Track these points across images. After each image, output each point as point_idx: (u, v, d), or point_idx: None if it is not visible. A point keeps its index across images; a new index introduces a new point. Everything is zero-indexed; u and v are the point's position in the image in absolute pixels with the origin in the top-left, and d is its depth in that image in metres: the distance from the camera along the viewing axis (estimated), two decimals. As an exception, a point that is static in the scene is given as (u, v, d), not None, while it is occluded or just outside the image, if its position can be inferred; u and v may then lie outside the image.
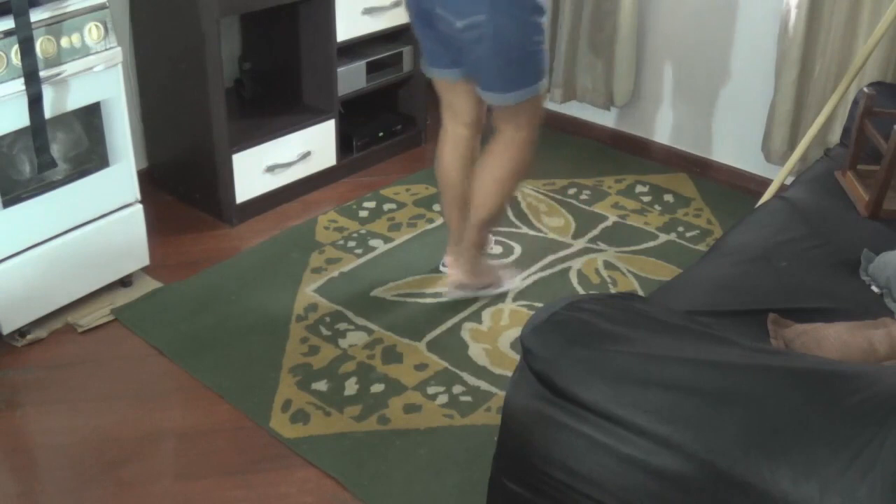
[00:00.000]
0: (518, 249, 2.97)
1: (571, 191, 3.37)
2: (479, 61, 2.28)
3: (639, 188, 3.41)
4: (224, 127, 2.93)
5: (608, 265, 2.90)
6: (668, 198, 3.34)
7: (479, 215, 2.53)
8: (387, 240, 3.02)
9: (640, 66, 3.58)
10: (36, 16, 2.21)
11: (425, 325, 2.58)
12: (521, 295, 2.73)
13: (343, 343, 2.51)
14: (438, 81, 2.52)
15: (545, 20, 2.29)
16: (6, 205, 2.33)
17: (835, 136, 3.00)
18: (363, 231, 3.07)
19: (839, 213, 2.27)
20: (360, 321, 2.60)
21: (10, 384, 2.34)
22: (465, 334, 2.55)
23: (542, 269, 2.87)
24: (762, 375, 1.29)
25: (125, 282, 2.71)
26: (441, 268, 2.79)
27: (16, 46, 2.18)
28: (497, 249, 2.96)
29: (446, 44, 2.34)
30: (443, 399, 2.31)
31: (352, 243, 2.99)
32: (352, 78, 3.32)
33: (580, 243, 3.02)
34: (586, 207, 3.25)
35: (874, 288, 1.95)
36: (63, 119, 2.39)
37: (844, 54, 2.96)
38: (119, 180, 2.58)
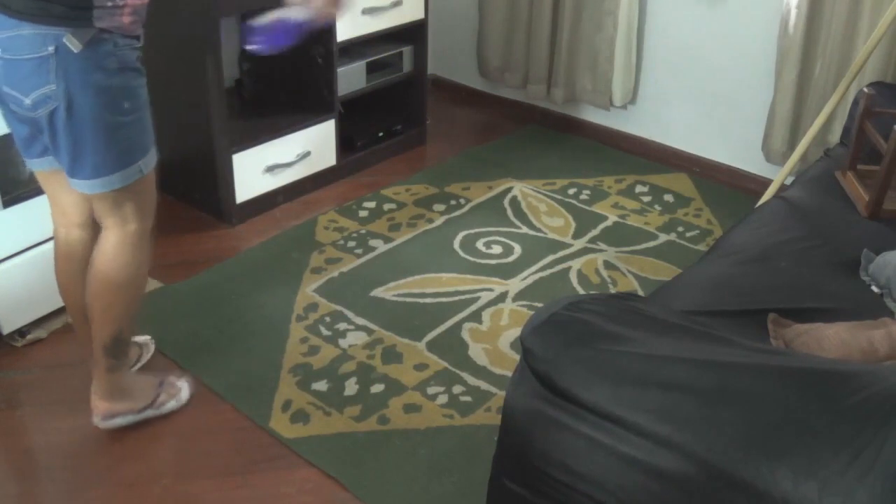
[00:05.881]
0: (518, 249, 2.97)
1: (571, 191, 3.37)
2: (59, 143, 1.83)
3: (639, 188, 3.41)
4: (224, 127, 2.93)
5: (608, 265, 2.90)
6: (668, 198, 3.34)
7: (102, 338, 2.07)
8: (387, 240, 3.02)
9: (640, 66, 3.58)
10: (36, 16, 2.21)
11: (425, 325, 2.58)
12: (521, 295, 2.73)
13: (343, 343, 2.51)
14: (38, 174, 2.04)
15: (139, 82, 1.88)
16: (6, 205, 2.33)
17: (835, 136, 3.00)
18: (363, 231, 3.07)
19: (839, 213, 2.27)
20: (360, 321, 2.60)
21: (10, 384, 2.34)
22: (465, 334, 2.55)
23: (542, 269, 2.87)
24: (762, 375, 1.29)
25: (125, 282, 2.70)
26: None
27: (16, 46, 2.18)
28: (497, 249, 2.96)
29: (31, 127, 1.88)
30: (443, 399, 2.31)
31: (352, 243, 2.99)
32: (352, 78, 3.32)
33: (580, 243, 3.02)
34: (586, 207, 3.25)
35: (874, 288, 1.95)
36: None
37: (844, 54, 2.96)
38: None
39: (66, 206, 2.06)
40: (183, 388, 2.30)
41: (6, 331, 2.43)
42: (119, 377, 2.16)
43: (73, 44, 1.73)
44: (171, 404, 2.26)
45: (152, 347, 2.46)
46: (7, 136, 2.28)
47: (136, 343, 2.43)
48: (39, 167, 2.00)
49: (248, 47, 1.97)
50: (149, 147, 1.96)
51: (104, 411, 2.17)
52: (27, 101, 1.79)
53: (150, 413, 2.22)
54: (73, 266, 2.12)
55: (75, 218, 2.08)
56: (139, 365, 2.39)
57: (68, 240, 2.10)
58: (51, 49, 1.73)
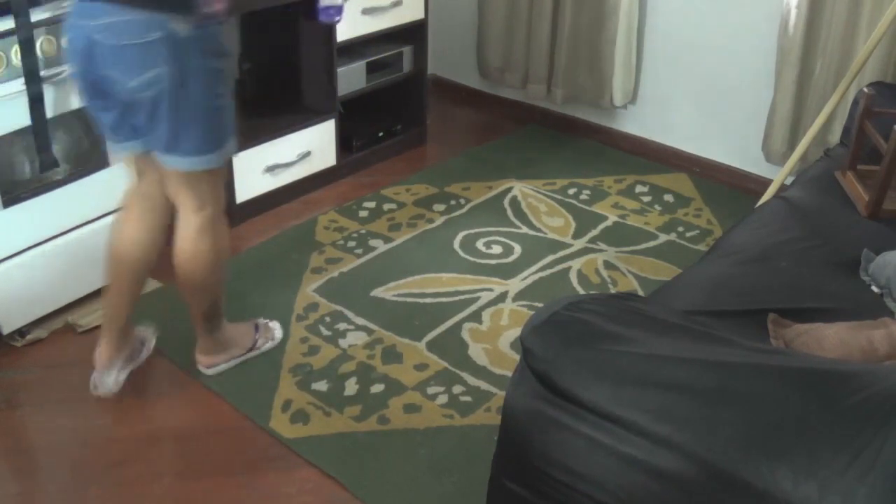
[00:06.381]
0: (518, 249, 2.97)
1: (571, 191, 3.37)
2: (158, 122, 1.94)
3: (639, 188, 3.41)
4: (224, 127, 2.93)
5: (608, 265, 2.90)
6: (668, 198, 3.34)
7: (199, 308, 2.26)
8: (387, 240, 3.02)
9: (640, 66, 3.58)
10: (36, 16, 2.21)
11: (425, 325, 2.58)
12: (521, 295, 2.73)
13: (343, 343, 2.51)
14: (126, 158, 2.18)
15: (229, 65, 2.04)
16: (6, 205, 2.33)
17: (835, 136, 3.00)
18: (363, 231, 3.07)
19: (839, 213, 2.27)
20: (360, 321, 2.60)
21: (10, 384, 2.34)
22: (465, 334, 2.55)
23: (542, 269, 2.87)
24: (762, 375, 1.29)
25: (125, 282, 2.70)
26: (94, 380, 2.30)
27: (16, 46, 2.18)
28: (497, 249, 2.96)
29: (122, 111, 1.99)
30: (443, 399, 2.31)
31: (352, 243, 2.99)
32: (352, 78, 3.32)
33: (580, 243, 3.02)
34: (586, 207, 3.25)
35: (874, 288, 1.95)
36: (63, 119, 2.39)
37: (844, 54, 2.96)
38: (119, 180, 2.57)
39: (148, 186, 2.16)
40: (276, 329, 2.52)
41: (6, 331, 2.43)
42: (218, 336, 2.34)
43: (179, 29, 1.84)
44: (269, 344, 2.47)
45: (153, 342, 2.46)
46: (7, 137, 2.28)
47: (139, 337, 2.42)
48: (128, 150, 2.10)
49: (323, 19, 2.62)
50: (233, 131, 2.07)
51: (206, 364, 2.37)
52: (131, 84, 1.88)
53: (250, 355, 2.43)
54: (145, 226, 2.18)
55: (158, 191, 2.15)
56: (140, 359, 2.39)
57: (148, 206, 2.18)
58: (157, 34, 1.83)
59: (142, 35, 1.83)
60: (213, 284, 2.23)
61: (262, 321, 2.51)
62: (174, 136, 1.96)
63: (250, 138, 3.05)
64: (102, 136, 2.15)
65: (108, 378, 2.28)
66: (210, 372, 2.37)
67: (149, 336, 2.46)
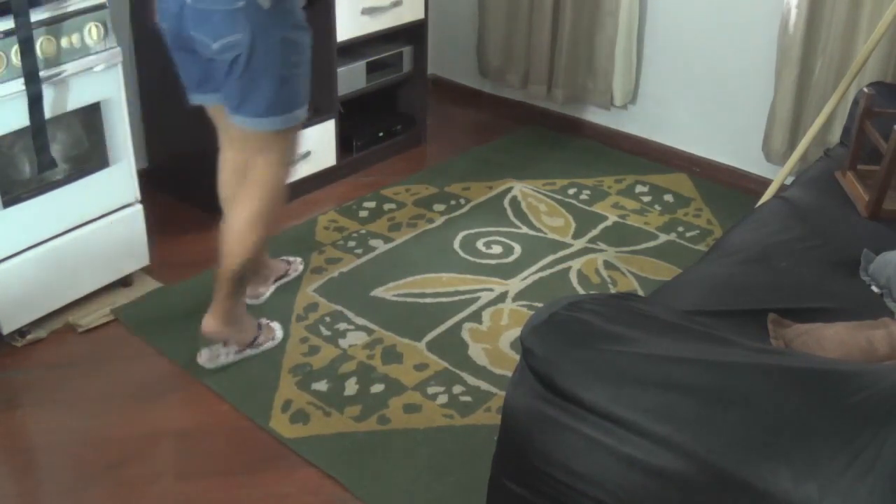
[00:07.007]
0: (518, 249, 2.97)
1: (571, 191, 3.37)
2: (233, 83, 2.11)
3: (639, 188, 3.41)
4: (224, 127, 2.93)
5: (608, 265, 2.90)
6: (668, 198, 3.34)
7: (233, 265, 2.30)
8: (387, 240, 3.02)
9: (640, 66, 3.58)
10: (36, 16, 2.21)
11: (425, 325, 2.58)
12: (521, 295, 2.73)
13: (343, 343, 2.51)
14: (207, 108, 2.36)
15: (307, 40, 2.16)
16: (6, 205, 2.33)
17: (835, 136, 3.00)
18: (363, 231, 3.07)
19: (839, 213, 2.27)
20: (360, 321, 2.60)
21: (10, 384, 2.34)
22: (465, 334, 2.55)
23: (542, 269, 2.87)
24: (762, 375, 1.29)
25: (125, 282, 2.71)
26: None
27: (16, 46, 2.18)
28: (497, 249, 2.96)
29: (205, 67, 2.17)
30: (443, 399, 2.31)
31: (352, 243, 2.99)
32: (352, 78, 3.32)
33: (580, 243, 3.02)
34: (586, 207, 3.25)
35: (874, 288, 1.95)
36: (63, 119, 2.39)
37: (844, 54, 2.96)
38: (119, 180, 2.58)
39: (233, 133, 2.32)
40: (277, 329, 2.53)
41: (6, 331, 2.43)
42: (236, 304, 2.38)
43: (261, 1, 2.01)
44: (269, 344, 2.49)
45: (300, 268, 2.79)
46: (7, 137, 2.28)
47: (286, 260, 2.79)
48: (210, 101, 2.30)
49: None
50: (305, 100, 2.23)
51: (212, 329, 2.35)
52: (215, 46, 2.06)
53: (249, 352, 2.44)
54: (235, 177, 2.40)
55: (238, 143, 2.34)
56: (285, 280, 2.72)
57: (236, 160, 2.39)
58: (241, 3, 2.00)
59: (227, 3, 2.00)
60: (254, 242, 2.29)
61: (263, 321, 2.52)
62: (243, 97, 2.12)
63: (250, 138, 3.05)
64: (184, 86, 2.30)
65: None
66: (210, 365, 2.37)
67: (295, 262, 2.81)
